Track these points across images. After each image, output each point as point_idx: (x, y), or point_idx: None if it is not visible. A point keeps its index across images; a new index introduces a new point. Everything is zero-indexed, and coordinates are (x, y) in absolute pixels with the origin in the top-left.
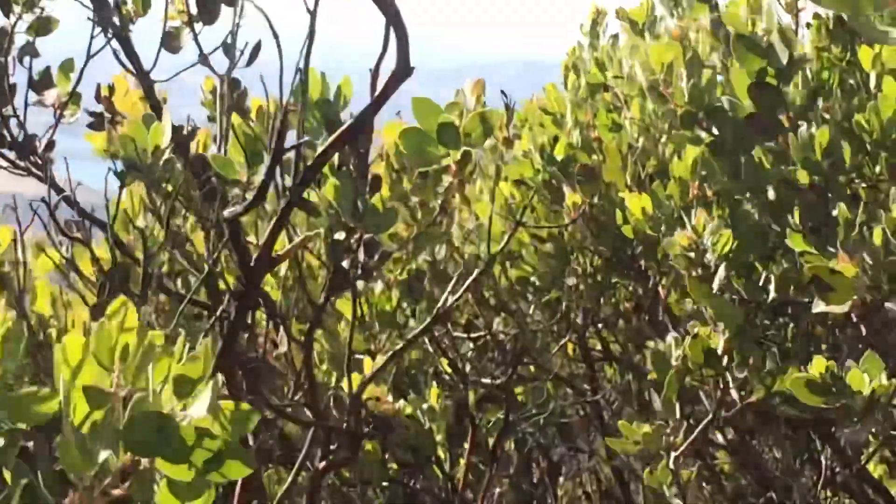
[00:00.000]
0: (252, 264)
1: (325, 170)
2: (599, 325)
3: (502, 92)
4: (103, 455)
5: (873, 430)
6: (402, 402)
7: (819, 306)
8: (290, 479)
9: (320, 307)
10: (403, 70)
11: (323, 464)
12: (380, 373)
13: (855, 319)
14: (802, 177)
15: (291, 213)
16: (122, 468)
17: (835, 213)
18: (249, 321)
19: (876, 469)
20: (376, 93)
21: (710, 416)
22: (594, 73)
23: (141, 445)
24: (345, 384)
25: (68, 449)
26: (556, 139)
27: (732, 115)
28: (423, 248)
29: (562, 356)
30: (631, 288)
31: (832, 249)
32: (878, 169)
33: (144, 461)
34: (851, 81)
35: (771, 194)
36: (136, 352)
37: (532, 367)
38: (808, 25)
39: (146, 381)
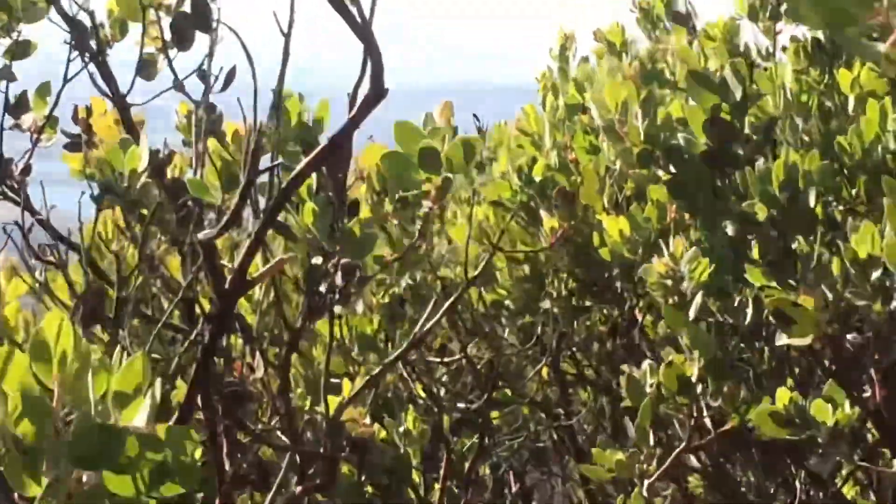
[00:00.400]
0: (226, 287)
1: (304, 194)
2: (573, 349)
3: (475, 116)
4: (52, 473)
5: (839, 458)
6: (377, 425)
7: (782, 339)
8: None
9: (297, 331)
10: (377, 93)
11: (300, 488)
12: (357, 396)
13: (822, 348)
14: (761, 211)
15: (267, 236)
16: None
17: (794, 245)
18: (225, 345)
19: (850, 491)
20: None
21: (684, 443)
22: (572, 94)
23: (86, 459)
24: (321, 408)
25: (14, 466)
26: (534, 160)
27: (689, 152)
28: (406, 272)
29: (536, 380)
30: (606, 311)
31: (793, 283)
32: (856, 192)
33: (90, 477)
34: (830, 104)
35: (730, 230)
36: (73, 363)
37: (507, 391)
38: (786, 49)
39: (86, 394)
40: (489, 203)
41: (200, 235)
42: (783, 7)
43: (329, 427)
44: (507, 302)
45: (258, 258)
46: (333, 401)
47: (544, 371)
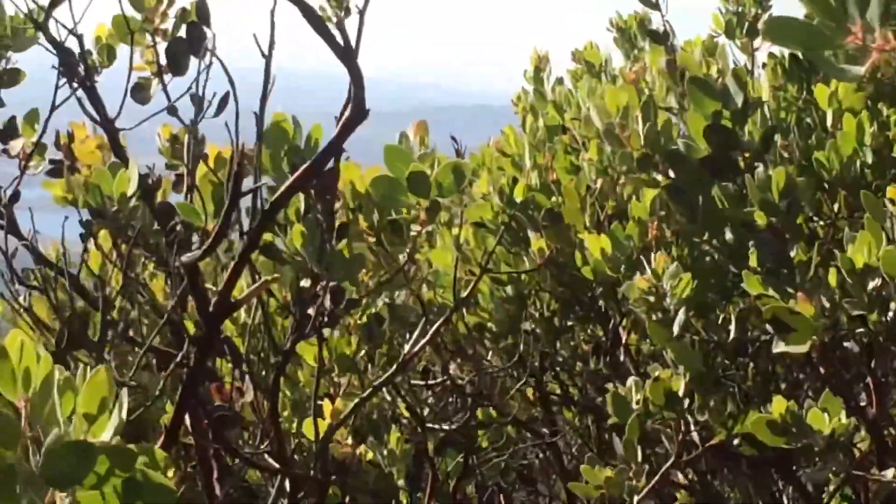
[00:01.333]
0: (211, 310)
1: (292, 216)
2: (557, 369)
3: (452, 137)
4: (26, 496)
5: (834, 468)
6: (362, 446)
7: (779, 346)
8: None
9: (287, 353)
10: (358, 115)
11: None
12: (346, 419)
13: (815, 358)
14: (760, 218)
15: (254, 258)
16: None
17: (792, 253)
18: (213, 368)
19: None
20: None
21: (672, 459)
22: (552, 115)
23: (59, 479)
24: (307, 430)
25: None
26: (515, 181)
27: (688, 157)
28: (382, 293)
29: (520, 400)
30: (590, 330)
31: (790, 290)
32: (836, 207)
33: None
34: (808, 120)
35: (728, 236)
36: (38, 382)
37: (492, 411)
38: (764, 65)
39: (53, 412)
40: (470, 224)
41: (184, 258)
42: (760, 24)
43: (318, 450)
44: (489, 324)
45: (246, 279)
46: (322, 424)
47: (528, 391)
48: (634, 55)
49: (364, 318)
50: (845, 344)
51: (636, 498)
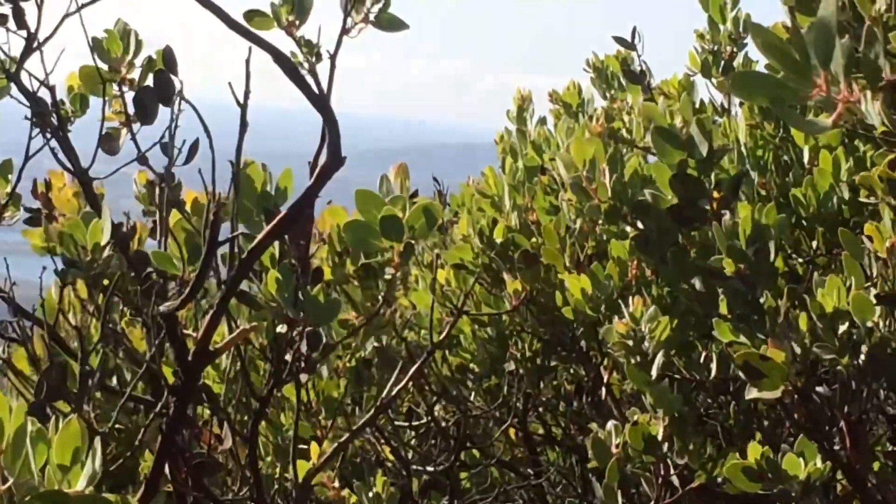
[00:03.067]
0: (190, 358)
1: (267, 262)
2: (540, 409)
3: (434, 179)
4: None
5: None
6: (346, 490)
7: (752, 393)
8: None
9: (264, 399)
10: (334, 161)
11: None
12: (327, 462)
13: (788, 403)
14: (728, 265)
15: (231, 305)
16: None
17: (762, 300)
18: (192, 415)
19: None
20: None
21: (653, 502)
22: (531, 156)
23: None
24: (290, 474)
25: None
26: (495, 222)
27: (656, 207)
28: (370, 337)
29: (504, 441)
30: (572, 371)
31: (761, 336)
32: (815, 244)
33: None
34: (786, 158)
35: (698, 284)
36: (12, 434)
37: (476, 453)
38: (742, 103)
39: (27, 464)
40: (451, 266)
41: (162, 308)
42: (735, 62)
43: (298, 493)
44: (471, 365)
45: (224, 327)
46: (303, 466)
47: (511, 432)
48: (611, 95)
49: (353, 362)
50: (818, 388)
51: None
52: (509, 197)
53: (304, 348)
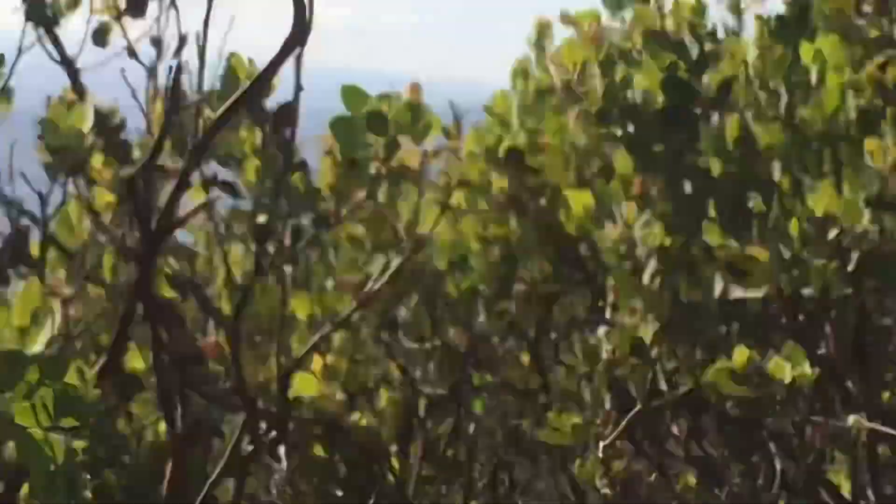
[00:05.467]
0: (153, 227)
1: (248, 150)
2: (553, 335)
3: (451, 103)
4: None
5: (796, 418)
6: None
7: (736, 292)
8: (221, 463)
9: (246, 289)
10: (299, 33)
11: (251, 448)
12: (312, 351)
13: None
14: (715, 166)
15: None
16: None
17: (751, 204)
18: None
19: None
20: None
21: (638, 406)
22: (542, 77)
23: None
24: (301, 387)
25: None
26: (500, 140)
27: (646, 110)
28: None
29: (516, 366)
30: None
31: (750, 240)
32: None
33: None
34: (794, 79)
35: (687, 187)
36: None
37: (488, 377)
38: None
39: None
40: (458, 182)
41: (122, 172)
42: None
43: (279, 386)
44: (481, 287)
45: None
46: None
47: (524, 356)
48: (623, 17)
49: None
50: (804, 291)
51: (602, 444)
52: (517, 115)
53: (287, 241)
